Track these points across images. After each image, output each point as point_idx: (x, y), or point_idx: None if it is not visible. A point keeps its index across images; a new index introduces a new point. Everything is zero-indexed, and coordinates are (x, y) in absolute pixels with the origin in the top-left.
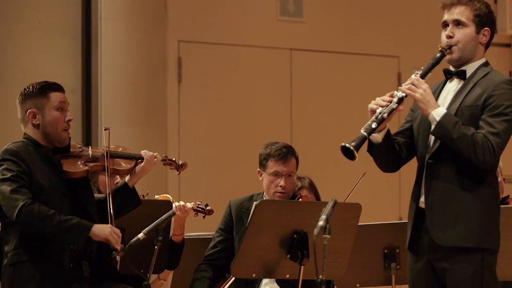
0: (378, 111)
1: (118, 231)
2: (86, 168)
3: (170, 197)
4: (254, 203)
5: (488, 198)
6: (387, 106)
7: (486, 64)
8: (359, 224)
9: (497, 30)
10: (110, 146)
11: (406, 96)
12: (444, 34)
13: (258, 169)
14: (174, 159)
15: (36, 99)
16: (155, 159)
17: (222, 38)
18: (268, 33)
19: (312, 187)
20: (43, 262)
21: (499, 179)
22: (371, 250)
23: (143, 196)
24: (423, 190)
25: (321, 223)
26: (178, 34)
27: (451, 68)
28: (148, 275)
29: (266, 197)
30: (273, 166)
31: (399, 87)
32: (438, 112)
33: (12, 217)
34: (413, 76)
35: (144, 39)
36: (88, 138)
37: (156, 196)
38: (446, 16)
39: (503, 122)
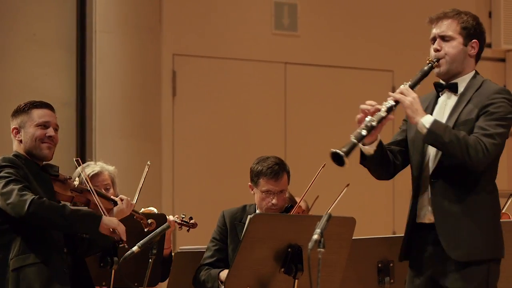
0: (367, 119)
1: (123, 226)
2: (72, 195)
3: (155, 209)
4: (248, 216)
5: (494, 209)
6: (376, 115)
7: (475, 76)
8: (353, 238)
9: (491, 44)
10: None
11: (395, 105)
12: (432, 48)
13: (250, 184)
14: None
15: (21, 116)
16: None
17: (217, 51)
18: (262, 47)
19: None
20: (47, 265)
21: None
22: (365, 264)
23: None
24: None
25: (315, 236)
26: (172, 47)
27: (442, 82)
28: None
29: (258, 211)
30: (264, 185)
31: (389, 93)
32: (427, 120)
33: (22, 212)
34: (402, 86)
35: (139, 53)
36: (82, 151)
37: (142, 209)
38: (434, 31)
39: (498, 126)
